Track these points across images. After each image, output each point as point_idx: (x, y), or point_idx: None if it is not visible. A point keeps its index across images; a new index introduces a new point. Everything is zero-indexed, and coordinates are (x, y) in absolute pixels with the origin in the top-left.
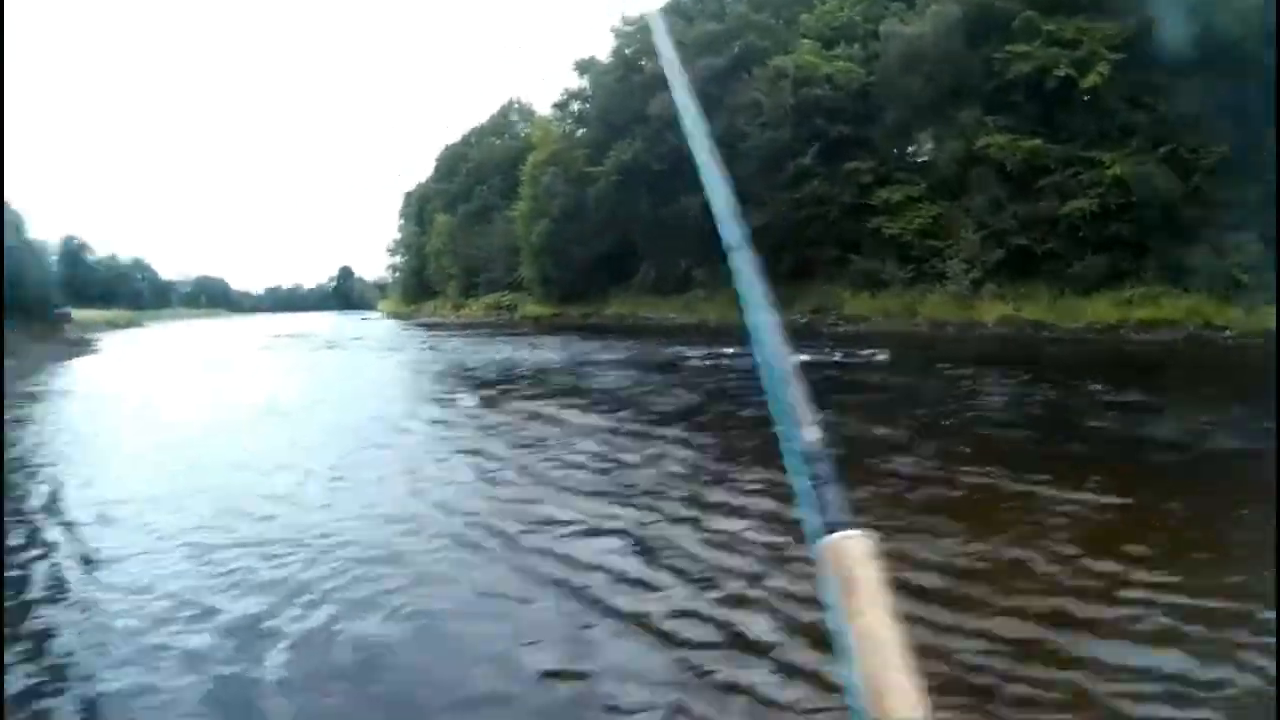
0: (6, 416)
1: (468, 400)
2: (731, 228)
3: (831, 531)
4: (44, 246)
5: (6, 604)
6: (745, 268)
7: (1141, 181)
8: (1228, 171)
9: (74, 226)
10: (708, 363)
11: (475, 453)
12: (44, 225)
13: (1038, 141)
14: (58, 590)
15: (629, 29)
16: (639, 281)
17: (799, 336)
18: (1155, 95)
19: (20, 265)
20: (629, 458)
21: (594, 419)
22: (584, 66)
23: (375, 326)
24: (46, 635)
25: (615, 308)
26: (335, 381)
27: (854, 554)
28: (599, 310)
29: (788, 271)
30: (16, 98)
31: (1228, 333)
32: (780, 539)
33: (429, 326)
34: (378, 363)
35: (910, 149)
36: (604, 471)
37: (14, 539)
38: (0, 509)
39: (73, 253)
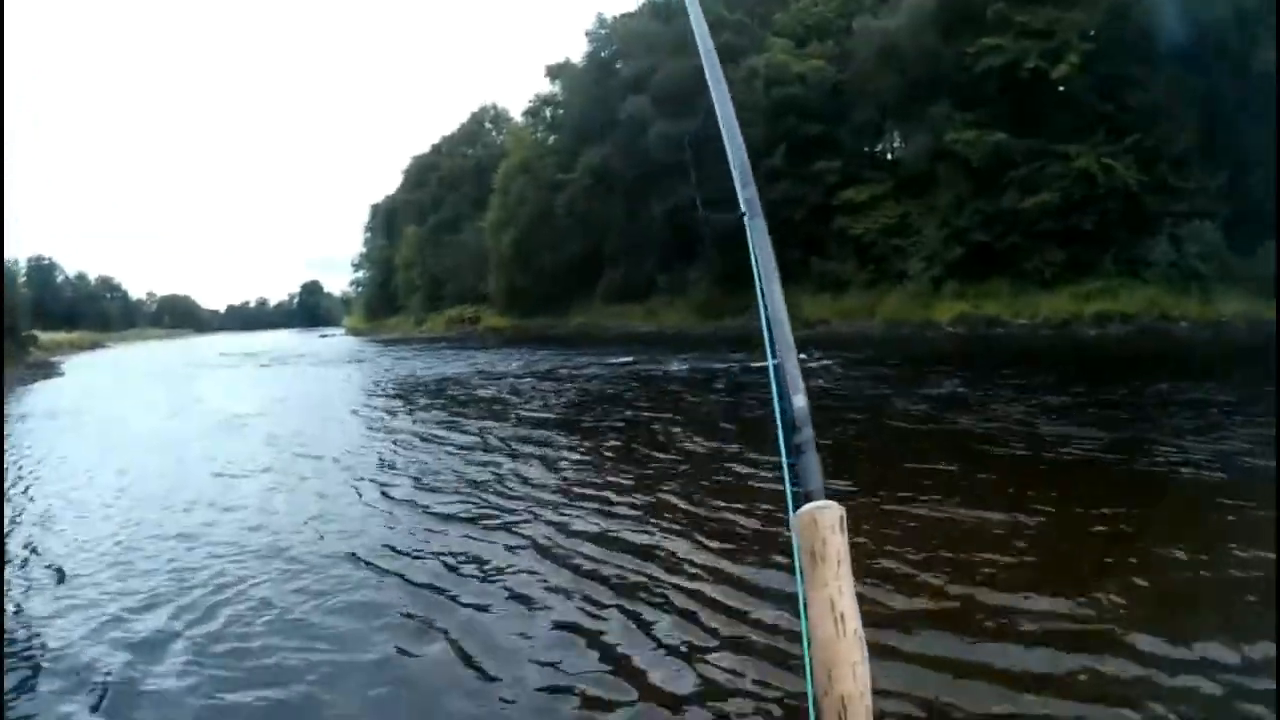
0: None
1: (349, 419)
2: (751, 194)
3: (807, 500)
4: (14, 268)
5: None
6: (760, 235)
7: (1106, 173)
8: (1192, 161)
9: (43, 244)
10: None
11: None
12: (12, 244)
13: (1004, 135)
14: None
15: (604, 31)
16: (603, 290)
17: (750, 343)
18: (1124, 86)
19: None
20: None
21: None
22: (556, 71)
23: (328, 344)
24: None
25: (578, 317)
26: (250, 399)
27: (825, 524)
28: (562, 321)
29: (752, 276)
30: None
31: (1183, 324)
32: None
33: (385, 343)
34: (301, 380)
35: (879, 147)
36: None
37: None
38: (0, 512)
39: (42, 273)
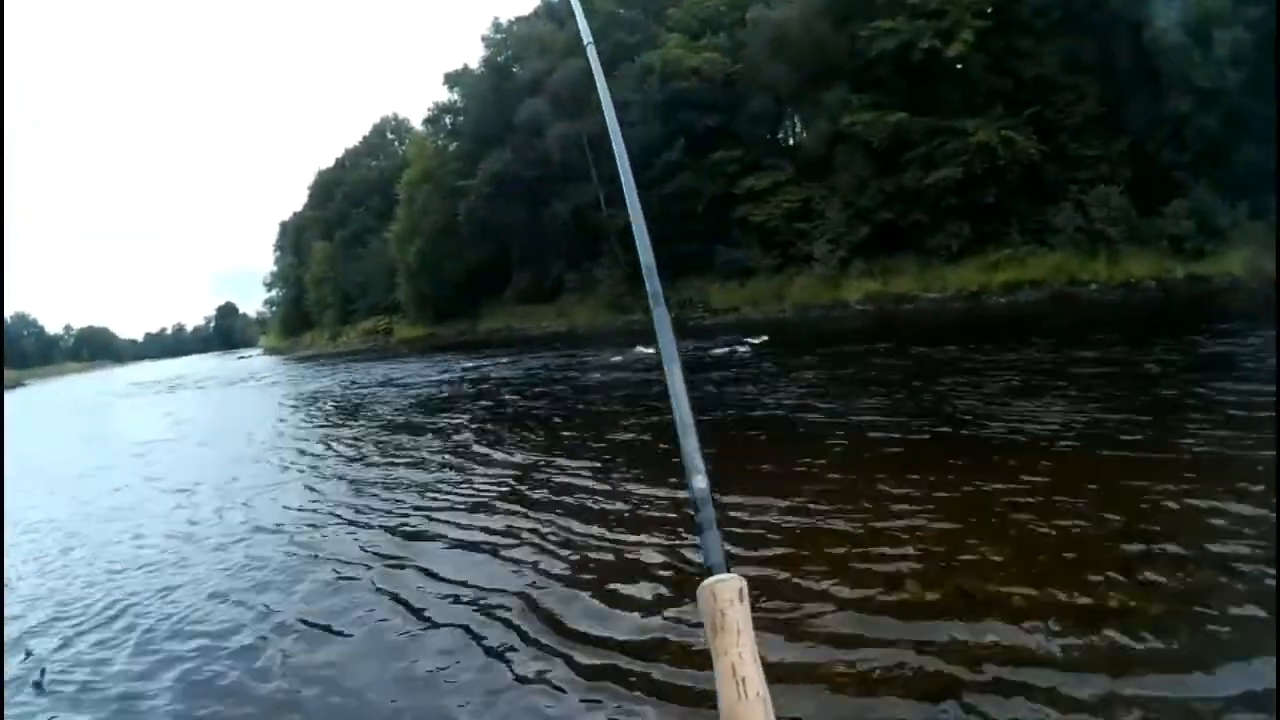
0: None
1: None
2: (655, 283)
3: (709, 574)
4: None
5: None
6: (663, 322)
7: (1006, 145)
8: (1092, 128)
9: None
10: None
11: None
12: None
13: (903, 115)
14: None
15: (499, 36)
16: (512, 292)
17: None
18: (1019, 60)
19: None
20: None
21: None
22: (454, 79)
23: (243, 365)
24: None
25: (489, 322)
26: (155, 427)
27: (725, 595)
28: (473, 326)
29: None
30: None
31: (1093, 286)
32: None
33: (299, 360)
34: (207, 405)
35: (779, 134)
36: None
37: None
38: (1, 516)
39: None
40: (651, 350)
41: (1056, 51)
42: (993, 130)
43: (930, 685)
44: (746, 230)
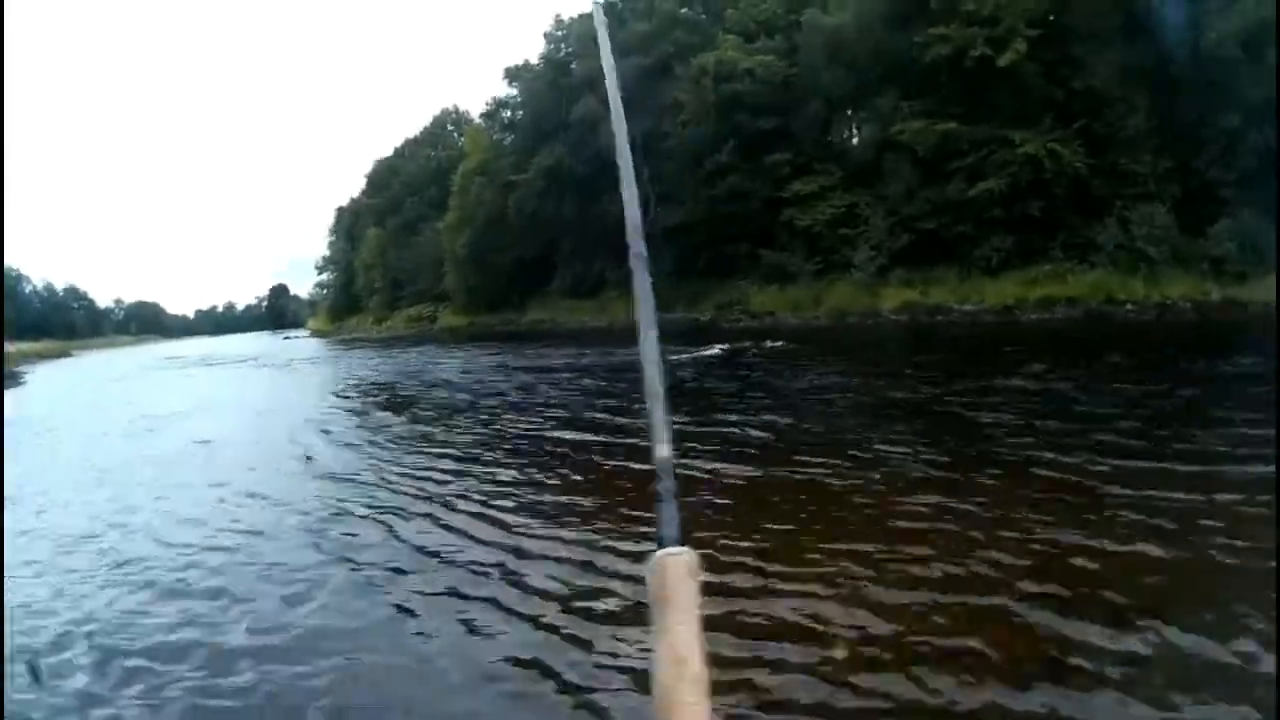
0: None
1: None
2: (639, 244)
3: (662, 547)
4: None
5: None
6: (643, 286)
7: (1052, 159)
8: (1142, 142)
9: (11, 256)
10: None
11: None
12: None
13: (952, 124)
14: None
15: (560, 33)
16: (557, 286)
17: (686, 334)
18: (1072, 71)
19: None
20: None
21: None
22: (514, 74)
23: (286, 345)
24: None
25: (532, 314)
26: (175, 401)
27: (676, 571)
28: (517, 318)
29: (703, 268)
30: None
31: (1129, 306)
32: None
33: (342, 342)
34: (234, 382)
35: (830, 139)
36: None
37: None
38: (0, 512)
39: (9, 284)
40: (716, 349)
41: (1109, 62)
42: (1040, 142)
43: None
44: (792, 235)
